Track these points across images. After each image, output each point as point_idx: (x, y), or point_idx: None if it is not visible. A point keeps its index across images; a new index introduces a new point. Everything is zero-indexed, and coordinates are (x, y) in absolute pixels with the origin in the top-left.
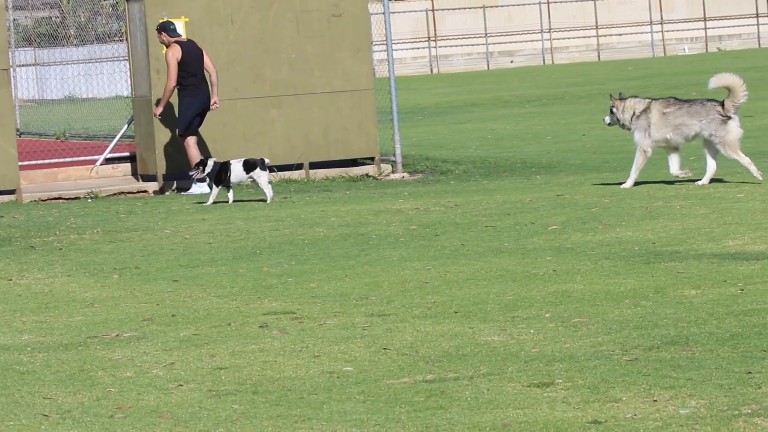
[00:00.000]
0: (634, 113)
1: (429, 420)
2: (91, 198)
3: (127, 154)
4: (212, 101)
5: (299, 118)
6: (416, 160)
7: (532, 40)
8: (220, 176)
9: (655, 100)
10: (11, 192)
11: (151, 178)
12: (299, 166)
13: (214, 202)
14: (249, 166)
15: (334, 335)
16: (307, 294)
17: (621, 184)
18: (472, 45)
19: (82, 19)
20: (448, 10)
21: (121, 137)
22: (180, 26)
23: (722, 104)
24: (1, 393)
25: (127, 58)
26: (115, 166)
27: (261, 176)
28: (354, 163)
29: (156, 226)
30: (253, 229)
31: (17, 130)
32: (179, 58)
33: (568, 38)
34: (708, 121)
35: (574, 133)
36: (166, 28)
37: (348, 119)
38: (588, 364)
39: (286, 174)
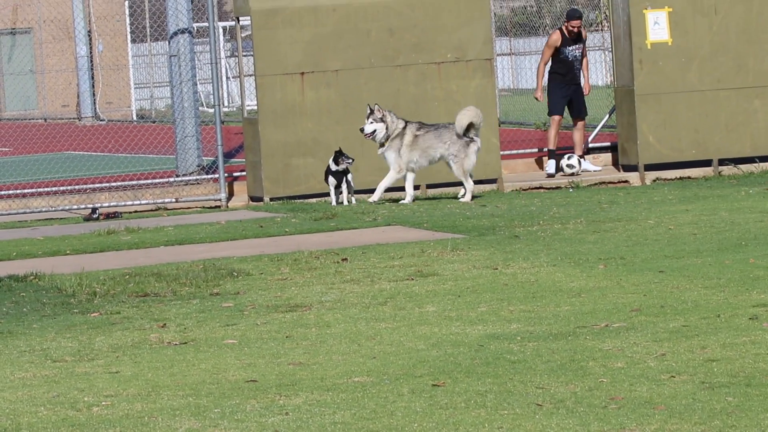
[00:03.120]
0: (394, 132)
1: None
2: (573, 188)
3: (608, 144)
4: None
5: None
6: None
7: None
8: None
9: (409, 123)
10: (493, 181)
11: (632, 168)
12: None
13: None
14: None
15: None
16: None
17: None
18: None
19: (558, 9)
20: None
21: (602, 127)
22: (663, 16)
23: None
24: (494, 382)
25: (602, 48)
26: (595, 156)
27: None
28: None
29: (639, 216)
30: (737, 220)
31: (497, 120)
32: (556, 43)
33: None
34: (451, 143)
35: None
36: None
37: None
38: None
39: None
